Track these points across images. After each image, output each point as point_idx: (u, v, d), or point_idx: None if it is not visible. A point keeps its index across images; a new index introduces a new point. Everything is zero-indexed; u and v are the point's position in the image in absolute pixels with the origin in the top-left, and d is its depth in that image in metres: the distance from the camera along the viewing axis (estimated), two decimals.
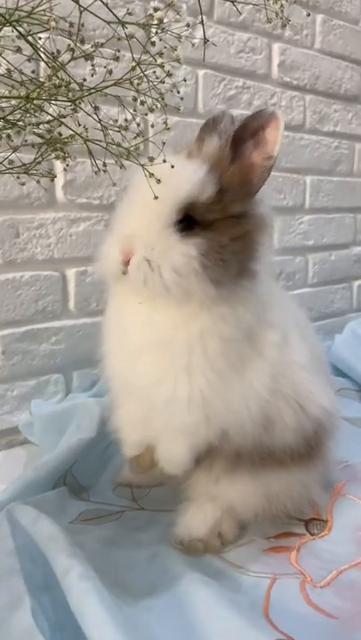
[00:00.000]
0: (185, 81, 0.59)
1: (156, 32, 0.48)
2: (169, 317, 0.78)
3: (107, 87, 0.49)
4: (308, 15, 1.68)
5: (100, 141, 0.54)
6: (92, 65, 0.50)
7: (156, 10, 0.50)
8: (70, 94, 0.51)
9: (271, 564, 0.86)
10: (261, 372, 0.83)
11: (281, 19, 0.60)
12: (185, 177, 0.74)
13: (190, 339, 0.78)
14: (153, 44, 0.49)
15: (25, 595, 0.68)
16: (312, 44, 1.81)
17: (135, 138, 0.56)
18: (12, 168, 0.57)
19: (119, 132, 0.54)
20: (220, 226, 0.77)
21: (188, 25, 0.53)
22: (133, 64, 0.49)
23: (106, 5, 0.46)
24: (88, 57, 0.48)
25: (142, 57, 0.52)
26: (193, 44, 0.65)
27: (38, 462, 1.00)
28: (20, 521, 0.83)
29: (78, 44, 0.48)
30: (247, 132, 0.78)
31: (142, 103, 0.55)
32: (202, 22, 0.57)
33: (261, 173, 0.79)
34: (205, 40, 0.61)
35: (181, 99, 0.60)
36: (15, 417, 1.28)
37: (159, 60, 0.51)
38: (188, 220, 0.75)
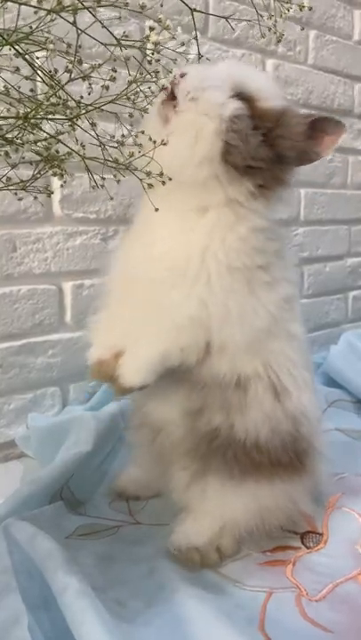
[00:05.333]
0: None
1: (153, 53, 0.50)
2: (189, 205, 0.80)
3: (104, 105, 0.50)
4: (303, 29, 1.71)
5: (98, 159, 0.55)
6: (90, 84, 0.51)
7: (151, 29, 0.51)
8: (68, 112, 0.52)
9: (267, 578, 0.86)
10: (269, 301, 0.83)
11: (275, 33, 0.62)
12: (263, 75, 0.87)
13: (210, 228, 0.80)
14: (150, 62, 0.50)
15: (22, 612, 0.67)
16: (305, 59, 1.84)
17: (132, 154, 0.57)
18: (9, 185, 0.58)
19: (117, 147, 0.55)
20: (260, 136, 0.79)
21: (182, 44, 0.55)
22: (130, 79, 0.51)
23: (107, 29, 0.47)
24: (86, 77, 0.49)
25: (138, 74, 0.53)
26: (187, 60, 0.68)
27: (34, 476, 0.99)
28: (16, 537, 0.83)
29: (76, 65, 0.49)
30: (315, 127, 0.82)
31: (142, 114, 0.56)
32: (196, 38, 0.59)
33: (305, 158, 0.85)
34: (200, 56, 0.64)
35: None
36: (12, 430, 1.28)
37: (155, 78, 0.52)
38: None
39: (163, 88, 0.57)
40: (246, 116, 0.78)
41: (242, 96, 0.79)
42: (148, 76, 0.52)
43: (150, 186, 0.60)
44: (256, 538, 0.91)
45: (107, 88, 0.50)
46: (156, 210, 0.67)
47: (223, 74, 0.80)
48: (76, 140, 0.56)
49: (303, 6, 0.59)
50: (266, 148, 0.80)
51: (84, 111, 0.51)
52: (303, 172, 1.85)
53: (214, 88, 0.77)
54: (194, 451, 0.88)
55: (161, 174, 0.59)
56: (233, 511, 0.88)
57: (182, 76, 0.77)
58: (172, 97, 0.78)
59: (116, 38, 0.48)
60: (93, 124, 0.53)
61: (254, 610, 0.79)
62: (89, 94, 0.53)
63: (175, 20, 1.39)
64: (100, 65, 0.49)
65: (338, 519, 1.01)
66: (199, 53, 0.61)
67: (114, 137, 0.57)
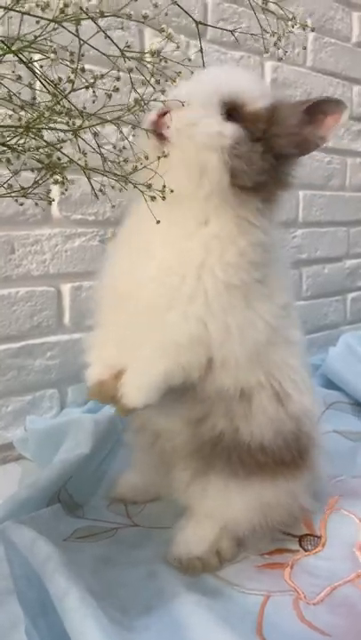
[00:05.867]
0: None
1: (154, 65, 0.50)
2: (190, 216, 0.78)
3: (106, 115, 0.50)
4: (304, 49, 1.71)
5: (99, 170, 0.55)
6: (94, 92, 0.51)
7: (160, 36, 0.51)
8: (70, 121, 0.52)
9: (265, 581, 0.86)
10: (266, 313, 0.82)
11: (278, 49, 0.62)
12: (245, 77, 0.82)
13: (209, 239, 0.78)
14: (153, 75, 0.50)
15: (20, 616, 0.67)
16: (304, 61, 1.84)
17: (135, 168, 0.57)
18: (11, 191, 0.58)
19: (118, 163, 0.55)
20: (259, 147, 0.78)
21: (189, 59, 0.55)
22: (136, 97, 0.51)
23: (111, 39, 0.47)
24: (89, 86, 0.49)
25: (140, 83, 0.54)
26: (191, 72, 0.68)
27: (32, 479, 0.99)
28: (15, 541, 0.82)
29: (79, 74, 0.49)
30: (313, 111, 0.80)
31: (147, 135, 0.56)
32: (201, 50, 0.60)
33: (308, 146, 0.82)
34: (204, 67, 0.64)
35: None
36: (10, 432, 1.28)
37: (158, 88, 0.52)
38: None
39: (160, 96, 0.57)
40: (245, 136, 0.76)
41: (232, 106, 0.77)
42: (152, 88, 0.52)
43: (153, 198, 0.60)
44: (256, 538, 0.92)
45: (110, 97, 0.50)
46: (158, 222, 0.66)
47: (206, 89, 0.77)
48: (79, 148, 0.56)
49: (306, 26, 0.59)
50: (267, 156, 0.78)
51: (87, 123, 0.51)
52: (302, 174, 1.86)
53: (205, 116, 0.75)
54: (196, 453, 0.89)
55: (163, 188, 0.59)
56: (235, 510, 0.89)
57: (166, 113, 0.74)
58: (162, 135, 0.75)
59: (120, 49, 0.48)
60: (95, 135, 0.53)
61: (252, 613, 0.79)
62: (93, 102, 0.53)
63: (174, 22, 1.39)
64: (102, 75, 0.49)
65: (336, 522, 1.01)
66: (203, 64, 0.61)
67: (115, 147, 0.57)
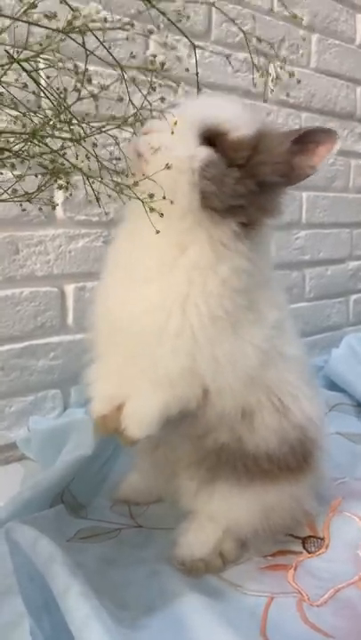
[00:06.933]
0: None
1: (158, 77, 0.50)
2: (172, 243, 0.78)
3: (109, 129, 0.50)
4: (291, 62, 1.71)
5: (97, 177, 0.56)
6: (96, 104, 0.51)
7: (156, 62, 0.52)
8: (73, 128, 0.52)
9: (268, 583, 0.87)
10: (256, 338, 0.82)
11: (273, 81, 0.62)
12: (229, 106, 0.82)
13: (190, 270, 0.78)
14: (154, 89, 0.50)
15: (24, 615, 0.68)
16: (308, 62, 1.84)
17: (136, 183, 0.57)
18: (15, 196, 0.58)
19: (117, 173, 0.56)
20: (237, 172, 0.77)
21: (187, 70, 0.55)
22: (133, 113, 0.51)
23: (110, 54, 0.47)
24: (94, 97, 0.49)
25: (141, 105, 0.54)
26: (187, 70, 0.68)
27: (35, 480, 1.00)
28: (18, 540, 0.83)
29: (85, 84, 0.49)
30: (303, 140, 0.80)
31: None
32: (194, 47, 0.60)
33: (297, 175, 0.81)
34: (197, 73, 0.64)
35: None
36: (13, 433, 1.28)
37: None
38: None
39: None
40: (218, 159, 0.76)
41: (211, 133, 0.77)
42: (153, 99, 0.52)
43: (152, 210, 0.60)
44: (259, 540, 0.92)
45: (113, 118, 0.50)
46: (157, 232, 0.66)
47: (188, 117, 0.76)
48: (78, 155, 0.57)
49: (293, 75, 0.59)
50: (246, 182, 0.77)
51: (88, 132, 0.51)
52: None
53: (180, 140, 0.74)
54: (200, 463, 0.90)
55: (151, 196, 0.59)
56: (238, 513, 0.89)
57: (146, 133, 0.75)
58: (140, 153, 0.75)
59: (119, 64, 0.48)
60: (95, 145, 0.53)
61: (256, 615, 0.79)
62: (94, 116, 0.53)
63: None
64: (107, 86, 0.49)
65: (339, 523, 1.02)
66: (197, 65, 0.61)
67: (111, 154, 0.57)
